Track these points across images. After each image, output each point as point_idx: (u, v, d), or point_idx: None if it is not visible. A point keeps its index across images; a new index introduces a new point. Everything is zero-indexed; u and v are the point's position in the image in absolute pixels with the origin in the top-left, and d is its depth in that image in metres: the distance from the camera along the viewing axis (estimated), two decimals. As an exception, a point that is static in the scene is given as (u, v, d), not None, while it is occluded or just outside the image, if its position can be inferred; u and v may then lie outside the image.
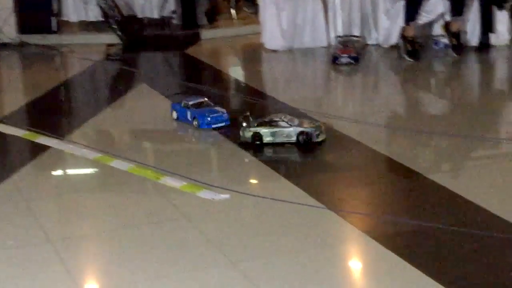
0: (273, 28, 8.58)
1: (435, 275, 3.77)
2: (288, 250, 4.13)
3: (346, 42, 8.24)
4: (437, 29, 8.35)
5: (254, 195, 4.79)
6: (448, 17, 8.14)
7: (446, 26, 8.15)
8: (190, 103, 6.15)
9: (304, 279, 3.83)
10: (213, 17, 10.03)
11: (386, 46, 8.41)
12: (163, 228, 4.43)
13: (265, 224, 4.47)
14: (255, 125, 5.57)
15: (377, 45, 8.52)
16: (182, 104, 6.19)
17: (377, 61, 8.31)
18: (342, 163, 5.41)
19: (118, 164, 5.35)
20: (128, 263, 4.03)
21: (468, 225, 4.30)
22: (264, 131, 5.54)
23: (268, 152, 5.56)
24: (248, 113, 5.70)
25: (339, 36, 8.44)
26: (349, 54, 7.90)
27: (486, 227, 4.28)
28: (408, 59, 7.93)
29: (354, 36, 8.46)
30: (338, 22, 8.56)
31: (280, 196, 4.75)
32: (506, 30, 8.26)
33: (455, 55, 8.00)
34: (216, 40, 9.52)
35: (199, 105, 6.13)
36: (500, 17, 8.19)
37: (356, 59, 7.88)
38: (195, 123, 6.05)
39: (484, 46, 8.17)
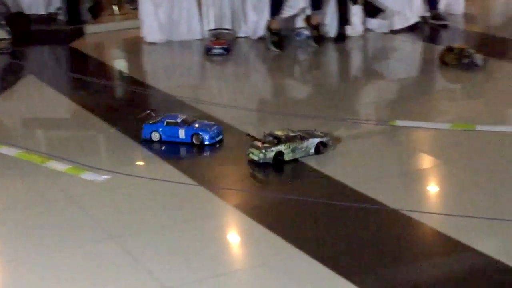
0: (151, 22, 8.51)
1: (296, 242, 3.85)
2: (165, 225, 4.14)
3: (218, 35, 8.24)
4: (299, 22, 8.42)
5: (134, 176, 4.77)
6: (308, 11, 8.23)
7: (307, 19, 8.24)
8: (178, 120, 5.35)
9: (180, 250, 3.85)
10: (96, 13, 9.87)
11: (254, 38, 8.44)
12: (49, 208, 4.38)
13: (144, 201, 4.46)
14: (263, 143, 4.92)
15: (246, 37, 8.54)
16: (165, 123, 5.33)
17: (246, 51, 8.33)
18: (216, 145, 5.40)
19: (6, 150, 5.24)
20: (18, 242, 3.97)
21: (326, 197, 4.40)
22: (285, 148, 4.95)
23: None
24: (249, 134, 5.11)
25: (212, 29, 8.43)
26: (221, 46, 7.91)
27: (342, 198, 4.39)
28: (274, 49, 7.99)
29: (225, 29, 8.46)
30: (211, 17, 8.54)
31: (158, 176, 4.74)
32: (360, 22, 8.41)
33: (315, 45, 8.10)
34: (99, 34, 9.36)
35: (188, 121, 5.37)
36: (355, 11, 8.33)
37: (227, 50, 7.90)
38: (195, 140, 5.26)
39: (341, 37, 8.29)
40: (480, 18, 9.40)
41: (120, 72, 7.93)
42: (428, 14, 8.72)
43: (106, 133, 5.75)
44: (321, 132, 5.14)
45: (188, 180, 4.70)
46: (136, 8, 8.99)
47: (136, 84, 7.00)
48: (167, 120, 5.35)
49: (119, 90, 7.21)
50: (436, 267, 3.70)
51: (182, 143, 5.31)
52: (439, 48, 7.39)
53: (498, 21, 9.59)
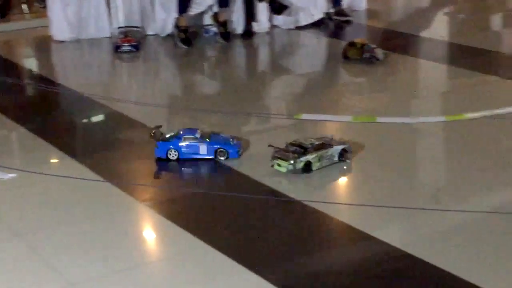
0: (60, 21, 8.33)
1: (202, 236, 3.83)
2: (72, 221, 4.06)
3: (127, 32, 8.11)
4: (207, 19, 8.38)
5: (40, 173, 4.66)
6: (216, 9, 8.19)
7: (215, 16, 8.21)
8: (197, 135, 4.89)
9: (84, 246, 3.78)
10: (5, 11, 9.62)
11: (163, 35, 8.36)
12: (-47, 208, 4.24)
13: (51, 199, 4.37)
14: (293, 154, 4.59)
15: (155, 35, 8.45)
16: (183, 139, 4.86)
17: (155, 49, 8.24)
18: (124, 142, 5.32)
19: None
20: None
21: (232, 190, 4.38)
22: (312, 158, 4.62)
23: (58, 134, 5.42)
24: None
25: (121, 27, 8.30)
26: (130, 43, 7.80)
27: (248, 191, 4.38)
28: (182, 46, 7.93)
29: (134, 26, 8.34)
30: (120, 14, 8.42)
31: (66, 173, 4.64)
32: (266, 19, 8.41)
33: (223, 41, 8.07)
34: (8, 33, 9.12)
35: (207, 136, 4.90)
36: (261, 8, 8.33)
37: (136, 47, 7.80)
38: (221, 155, 4.82)
39: (248, 33, 8.29)
40: (382, 14, 9.53)
41: (29, 71, 7.75)
42: (332, 10, 8.80)
43: (14, 132, 5.61)
44: (340, 139, 4.90)
45: (95, 176, 4.62)
46: (45, 7, 8.79)
47: (45, 83, 6.85)
48: (185, 136, 4.87)
49: (28, 89, 7.04)
50: (339, 256, 3.72)
51: (203, 160, 4.85)
52: (343, 43, 7.45)
53: (399, 17, 9.74)
